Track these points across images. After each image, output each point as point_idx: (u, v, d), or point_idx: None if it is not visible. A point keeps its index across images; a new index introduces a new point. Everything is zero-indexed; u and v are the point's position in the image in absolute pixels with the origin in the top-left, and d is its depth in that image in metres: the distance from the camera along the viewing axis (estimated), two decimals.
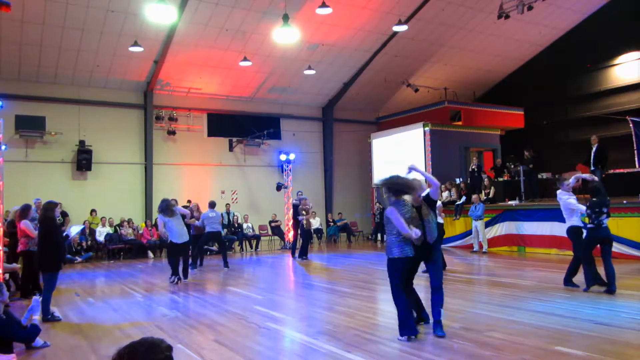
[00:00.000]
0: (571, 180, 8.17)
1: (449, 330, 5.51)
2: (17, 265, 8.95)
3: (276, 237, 18.25)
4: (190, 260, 11.13)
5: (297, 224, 14.26)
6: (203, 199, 14.42)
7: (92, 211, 15.93)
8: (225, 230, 16.82)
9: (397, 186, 5.42)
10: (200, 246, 12.69)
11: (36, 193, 13.09)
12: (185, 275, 10.16)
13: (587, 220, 7.72)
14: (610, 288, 7.33)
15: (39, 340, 5.49)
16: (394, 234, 5.33)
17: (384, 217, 5.47)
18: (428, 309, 5.74)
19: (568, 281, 7.91)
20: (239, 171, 19.32)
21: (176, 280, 9.80)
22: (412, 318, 5.40)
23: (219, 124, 18.96)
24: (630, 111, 16.60)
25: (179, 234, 9.89)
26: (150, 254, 15.41)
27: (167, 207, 9.84)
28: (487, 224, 14.04)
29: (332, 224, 19.79)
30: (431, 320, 5.56)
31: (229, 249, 16.59)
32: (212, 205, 12.33)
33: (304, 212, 13.85)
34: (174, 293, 8.88)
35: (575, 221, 7.87)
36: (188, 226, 11.12)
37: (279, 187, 18.09)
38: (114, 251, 15.08)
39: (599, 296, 7.23)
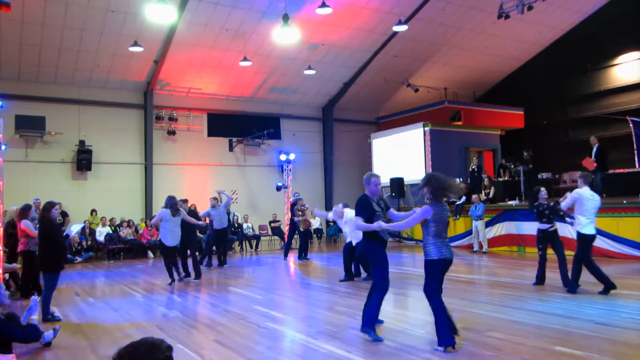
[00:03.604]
0: None
1: None
2: (17, 265, 8.95)
3: (276, 237, 18.25)
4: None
5: (292, 225, 14.20)
6: (203, 198, 14.43)
7: (92, 211, 15.93)
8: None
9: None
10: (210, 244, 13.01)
11: (36, 193, 13.10)
12: (198, 275, 10.16)
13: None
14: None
15: (47, 335, 5.49)
16: (430, 235, 5.06)
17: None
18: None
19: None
20: (239, 171, 19.31)
21: (172, 282, 9.75)
22: (448, 326, 5.02)
23: (219, 124, 18.97)
24: (630, 111, 16.61)
25: (172, 237, 9.74)
26: (150, 254, 15.40)
27: (172, 206, 9.76)
28: (487, 224, 14.04)
29: (332, 224, 19.76)
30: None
31: (229, 249, 16.59)
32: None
33: (299, 213, 13.87)
34: (174, 293, 8.88)
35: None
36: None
37: (278, 188, 18.10)
38: (114, 251, 15.08)
39: (599, 296, 7.23)
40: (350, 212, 9.39)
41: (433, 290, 5.02)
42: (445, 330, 4.89)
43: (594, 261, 7.54)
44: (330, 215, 10.15)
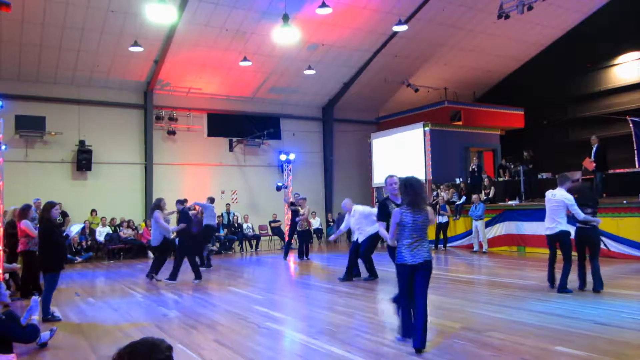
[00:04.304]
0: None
1: (449, 330, 5.51)
2: (17, 265, 8.94)
3: (276, 237, 18.25)
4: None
5: (293, 225, 14.15)
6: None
7: (92, 211, 15.93)
8: (226, 230, 16.83)
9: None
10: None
11: (36, 193, 13.09)
12: (173, 277, 9.88)
13: None
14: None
15: (44, 336, 5.49)
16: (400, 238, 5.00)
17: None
18: None
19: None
20: (239, 171, 19.32)
21: (151, 277, 10.19)
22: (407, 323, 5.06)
23: (219, 124, 18.97)
24: (630, 111, 16.61)
25: (152, 237, 10.38)
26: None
27: (151, 208, 10.34)
28: (487, 224, 14.04)
29: (332, 223, 19.79)
30: None
31: (228, 249, 16.61)
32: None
33: (300, 209, 13.86)
34: (174, 293, 8.88)
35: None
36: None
37: (278, 188, 18.10)
38: (114, 251, 15.08)
39: (599, 296, 7.23)
40: (358, 207, 9.59)
41: (400, 292, 5.06)
42: (403, 324, 5.01)
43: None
44: (345, 224, 10.30)
